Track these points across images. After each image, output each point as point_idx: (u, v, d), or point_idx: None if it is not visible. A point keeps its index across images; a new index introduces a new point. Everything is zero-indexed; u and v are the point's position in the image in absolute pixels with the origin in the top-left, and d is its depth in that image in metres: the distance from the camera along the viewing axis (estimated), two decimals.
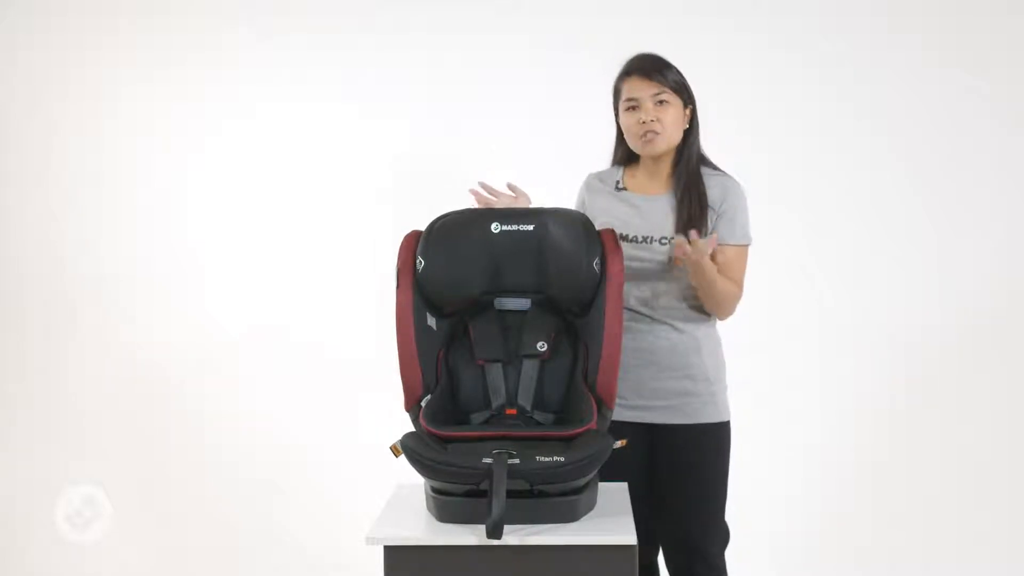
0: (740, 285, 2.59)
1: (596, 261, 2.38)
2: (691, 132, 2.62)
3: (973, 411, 3.71)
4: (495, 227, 2.41)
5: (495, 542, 2.07)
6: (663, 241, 2.57)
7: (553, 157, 3.36)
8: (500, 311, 2.46)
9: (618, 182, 2.67)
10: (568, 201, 2.75)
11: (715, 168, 2.65)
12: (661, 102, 2.55)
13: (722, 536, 2.63)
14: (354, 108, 3.73)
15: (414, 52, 3.71)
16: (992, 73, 3.66)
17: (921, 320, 3.69)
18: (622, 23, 3.61)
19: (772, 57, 3.68)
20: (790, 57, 3.68)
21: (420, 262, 2.38)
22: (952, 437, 3.71)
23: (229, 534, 3.78)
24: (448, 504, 2.19)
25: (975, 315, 3.68)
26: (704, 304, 2.58)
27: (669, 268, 2.56)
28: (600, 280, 2.37)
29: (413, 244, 2.41)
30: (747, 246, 2.62)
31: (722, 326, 2.66)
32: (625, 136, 2.62)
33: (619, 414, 2.50)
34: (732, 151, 3.55)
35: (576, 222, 2.43)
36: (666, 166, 2.62)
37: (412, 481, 2.39)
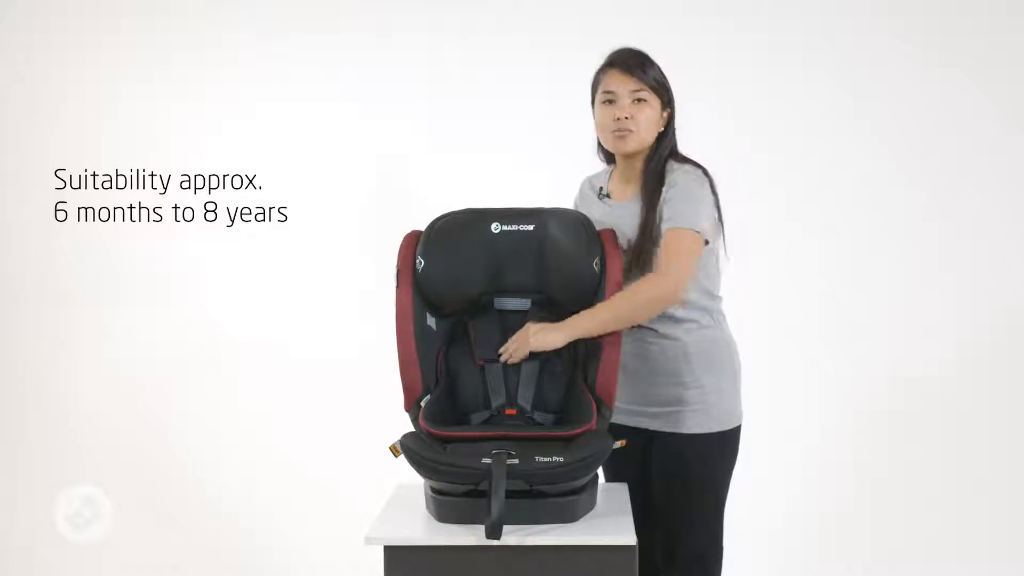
0: (666, 271, 2.34)
1: (596, 261, 2.38)
2: (665, 136, 2.52)
3: (973, 411, 3.71)
4: (495, 227, 2.41)
5: (494, 542, 2.08)
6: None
7: (553, 157, 3.36)
8: (500, 311, 2.46)
9: (601, 188, 2.62)
10: (568, 202, 2.75)
11: (683, 161, 2.52)
12: (639, 100, 2.48)
13: (710, 548, 2.55)
14: (354, 108, 3.73)
15: (414, 52, 3.71)
16: (992, 73, 3.65)
17: (921, 320, 3.68)
18: (622, 23, 3.61)
19: (772, 57, 3.68)
20: (790, 57, 3.68)
21: (420, 262, 2.39)
22: (952, 437, 3.71)
23: (229, 534, 3.78)
24: (447, 504, 2.19)
25: (975, 314, 3.68)
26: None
27: (632, 272, 2.44)
28: (600, 280, 2.38)
29: (413, 244, 2.42)
30: (687, 232, 2.37)
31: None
32: (597, 130, 2.55)
33: (618, 418, 2.48)
34: (732, 151, 3.57)
35: (576, 222, 2.43)
36: (639, 167, 2.54)
37: (412, 481, 2.39)
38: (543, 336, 2.32)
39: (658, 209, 2.45)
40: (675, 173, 2.48)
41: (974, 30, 3.65)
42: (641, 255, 2.45)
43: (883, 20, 3.66)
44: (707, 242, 2.44)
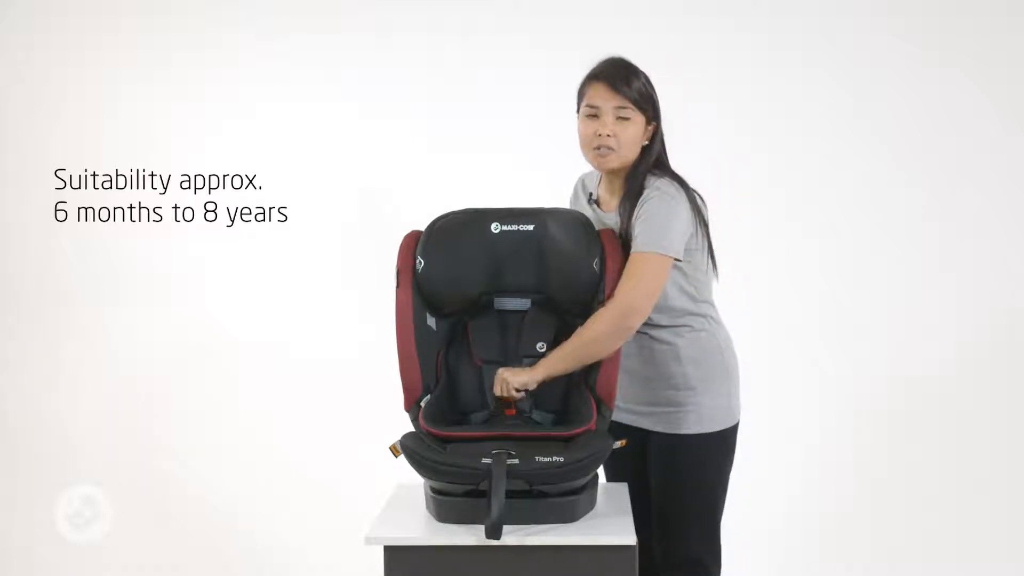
0: (611, 303, 2.32)
1: (596, 261, 2.38)
2: (650, 149, 2.48)
3: (973, 411, 3.71)
4: (495, 227, 2.41)
5: (494, 542, 2.08)
6: None
7: (553, 157, 3.36)
8: (500, 311, 2.46)
9: (592, 194, 2.60)
10: (567, 202, 2.74)
11: (663, 176, 2.47)
12: (622, 118, 2.44)
13: (707, 548, 2.54)
14: (354, 108, 3.73)
15: (414, 52, 3.71)
16: (992, 73, 3.65)
17: (921, 320, 3.68)
18: (622, 23, 3.61)
19: (772, 57, 3.68)
20: (790, 57, 3.68)
21: (420, 262, 2.38)
22: (952, 437, 3.71)
23: (229, 534, 3.78)
24: (447, 504, 2.19)
25: (975, 314, 3.68)
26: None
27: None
28: (600, 280, 2.37)
29: (413, 244, 2.42)
30: (651, 255, 2.35)
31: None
32: (580, 143, 2.50)
33: (617, 416, 2.48)
34: (732, 151, 3.56)
35: (576, 222, 2.43)
36: (620, 181, 2.51)
37: (412, 481, 2.39)
38: (515, 377, 2.35)
39: (631, 226, 2.43)
40: (649, 190, 2.44)
41: (974, 30, 3.65)
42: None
43: (883, 20, 3.66)
44: (678, 260, 2.41)
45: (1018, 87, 3.66)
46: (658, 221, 2.38)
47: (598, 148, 2.45)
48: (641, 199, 2.42)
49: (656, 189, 2.43)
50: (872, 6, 3.67)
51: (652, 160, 2.49)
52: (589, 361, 2.34)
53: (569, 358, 2.34)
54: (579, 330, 2.34)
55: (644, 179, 2.46)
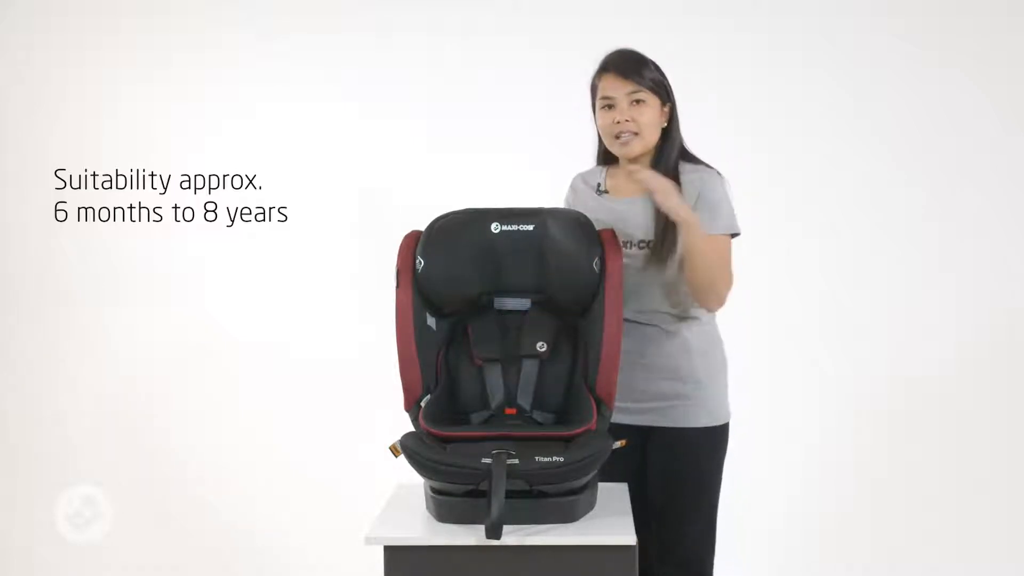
0: (724, 287, 2.50)
1: (596, 261, 2.38)
2: (670, 131, 2.55)
3: (973, 411, 3.71)
4: (495, 227, 2.41)
5: (494, 542, 2.08)
6: (641, 245, 2.52)
7: (553, 157, 3.36)
8: (500, 311, 2.46)
9: (599, 184, 2.63)
10: (564, 203, 2.74)
11: (695, 161, 2.57)
12: (637, 101, 2.49)
13: (707, 543, 2.56)
14: (354, 108, 3.73)
15: (414, 52, 3.71)
16: (992, 73, 3.65)
17: (921, 320, 3.68)
18: (622, 23, 3.61)
19: (772, 57, 3.68)
20: (790, 57, 3.68)
21: (420, 262, 2.38)
22: (952, 437, 3.71)
23: (229, 534, 3.78)
24: (447, 504, 2.19)
25: (975, 314, 3.68)
26: (692, 284, 2.45)
27: (649, 270, 2.50)
28: (600, 280, 2.38)
29: (413, 244, 2.42)
30: (731, 236, 2.53)
31: (721, 325, 2.65)
32: (601, 136, 2.58)
33: (618, 416, 2.48)
34: (732, 151, 3.55)
35: (576, 222, 2.43)
36: (645, 166, 2.54)
37: (412, 481, 2.39)
38: (686, 211, 2.40)
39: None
40: (697, 175, 2.52)
41: (974, 30, 3.65)
42: (661, 253, 2.48)
43: (883, 20, 3.66)
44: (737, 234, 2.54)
45: (1018, 87, 3.66)
46: (721, 202, 2.50)
47: (618, 136, 2.51)
48: (693, 185, 2.49)
49: (708, 175, 2.52)
50: (872, 6, 3.67)
51: (676, 143, 2.55)
52: (697, 266, 2.42)
53: (699, 252, 2.41)
54: (723, 255, 2.47)
55: (677, 165, 2.53)
